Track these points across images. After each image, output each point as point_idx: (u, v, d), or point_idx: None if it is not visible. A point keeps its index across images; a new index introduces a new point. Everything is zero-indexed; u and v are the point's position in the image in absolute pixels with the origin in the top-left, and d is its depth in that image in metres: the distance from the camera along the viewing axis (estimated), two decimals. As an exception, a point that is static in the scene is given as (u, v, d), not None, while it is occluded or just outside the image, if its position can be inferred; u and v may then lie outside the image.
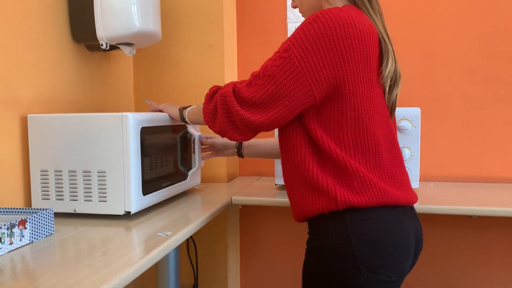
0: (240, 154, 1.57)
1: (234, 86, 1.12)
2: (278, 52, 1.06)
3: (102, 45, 1.45)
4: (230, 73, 1.95)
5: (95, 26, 1.44)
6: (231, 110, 1.10)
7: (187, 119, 1.37)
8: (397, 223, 1.06)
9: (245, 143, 1.56)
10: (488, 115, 1.85)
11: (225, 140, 1.57)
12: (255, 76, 1.08)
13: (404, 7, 1.90)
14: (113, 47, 1.52)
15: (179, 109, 1.39)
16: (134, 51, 1.56)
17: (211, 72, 1.88)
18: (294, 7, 1.26)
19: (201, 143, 1.60)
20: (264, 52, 2.00)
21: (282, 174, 1.20)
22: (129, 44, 1.52)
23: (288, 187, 1.16)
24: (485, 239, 1.85)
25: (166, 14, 1.88)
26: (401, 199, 1.07)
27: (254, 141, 1.55)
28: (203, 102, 1.21)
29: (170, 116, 1.42)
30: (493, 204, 1.42)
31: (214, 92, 1.20)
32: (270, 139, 1.54)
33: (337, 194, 1.03)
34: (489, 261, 1.86)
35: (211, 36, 1.87)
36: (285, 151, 1.14)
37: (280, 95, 1.03)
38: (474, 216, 1.41)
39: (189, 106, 1.38)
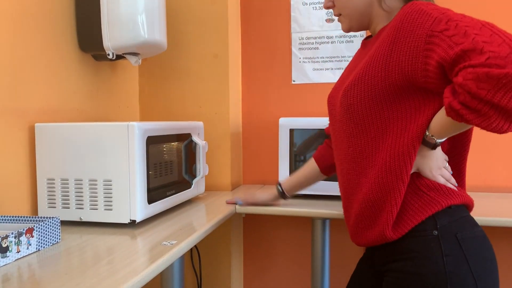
0: (284, 197, 1.48)
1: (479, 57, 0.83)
2: (446, 23, 0.90)
3: (108, 54, 1.47)
4: (234, 82, 1.97)
5: (102, 36, 1.46)
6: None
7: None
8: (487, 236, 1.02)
9: (286, 188, 1.45)
10: (492, 125, 1.85)
11: (266, 198, 1.52)
12: (474, 40, 0.86)
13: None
14: (119, 57, 1.54)
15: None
16: (140, 61, 1.58)
17: (215, 81, 1.90)
18: (328, 7, 1.13)
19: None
20: (268, 62, 2.03)
21: (347, 190, 1.07)
22: (135, 54, 1.54)
23: (371, 203, 1.00)
24: (489, 249, 1.85)
25: (172, 24, 1.90)
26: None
27: (295, 182, 1.44)
28: (448, 104, 0.87)
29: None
30: (497, 214, 1.41)
31: (452, 91, 0.87)
32: (304, 171, 1.42)
33: (449, 189, 0.98)
34: (493, 271, 1.85)
35: (216, 46, 1.89)
36: (378, 147, 0.99)
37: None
38: (478, 226, 1.41)
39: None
